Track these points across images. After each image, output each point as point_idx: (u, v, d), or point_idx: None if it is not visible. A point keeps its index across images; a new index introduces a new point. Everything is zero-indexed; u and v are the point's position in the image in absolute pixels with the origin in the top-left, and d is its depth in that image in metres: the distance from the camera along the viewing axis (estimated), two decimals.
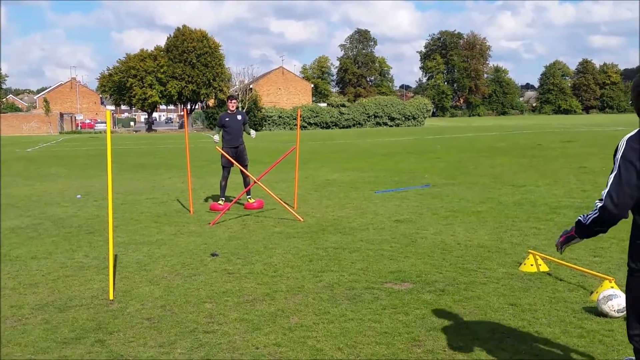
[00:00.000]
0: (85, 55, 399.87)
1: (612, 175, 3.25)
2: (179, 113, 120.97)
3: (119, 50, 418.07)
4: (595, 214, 3.35)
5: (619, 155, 3.25)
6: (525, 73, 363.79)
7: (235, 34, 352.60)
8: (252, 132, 12.38)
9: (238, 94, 13.45)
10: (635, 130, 3.27)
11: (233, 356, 4.69)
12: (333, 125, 78.93)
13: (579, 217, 3.50)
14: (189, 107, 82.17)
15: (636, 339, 3.58)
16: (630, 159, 3.20)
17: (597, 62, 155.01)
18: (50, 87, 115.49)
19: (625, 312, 5.32)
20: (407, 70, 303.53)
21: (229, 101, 12.27)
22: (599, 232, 3.44)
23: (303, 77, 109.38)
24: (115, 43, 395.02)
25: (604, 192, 3.27)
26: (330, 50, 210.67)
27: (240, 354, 4.73)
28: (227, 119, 12.05)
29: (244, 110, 74.01)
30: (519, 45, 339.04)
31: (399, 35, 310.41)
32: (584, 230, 3.49)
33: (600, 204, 3.30)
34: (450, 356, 4.61)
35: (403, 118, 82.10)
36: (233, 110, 12.16)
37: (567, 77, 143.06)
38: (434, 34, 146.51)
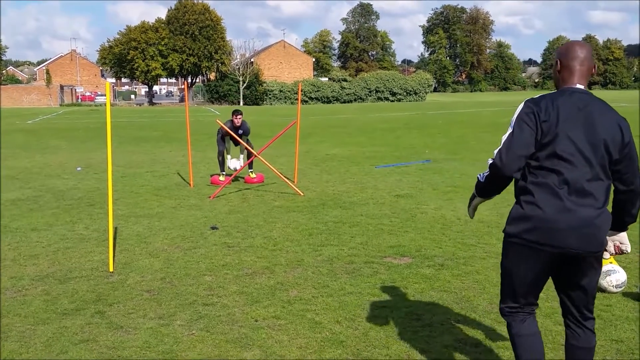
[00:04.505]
0: (81, 27, 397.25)
1: (506, 135, 3.23)
2: (180, 86, 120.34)
3: (114, 22, 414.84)
4: (487, 171, 3.34)
5: (514, 116, 3.23)
6: (525, 48, 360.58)
7: (230, 6, 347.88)
8: (245, 151, 11.93)
9: (242, 113, 13.19)
10: (538, 95, 3.26)
11: (232, 328, 4.72)
12: (334, 100, 78.63)
13: (478, 175, 3.46)
14: (189, 80, 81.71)
15: None
16: (524, 119, 3.18)
17: (600, 38, 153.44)
18: (50, 59, 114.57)
19: (623, 288, 5.35)
20: (406, 44, 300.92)
21: (234, 116, 11.89)
22: (492, 191, 3.43)
23: (304, 51, 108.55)
24: (110, 15, 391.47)
25: (496, 150, 3.24)
26: (327, 25, 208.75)
27: (239, 326, 4.76)
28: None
29: (245, 87, 73.72)
30: (517, 21, 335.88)
31: (397, 9, 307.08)
32: (479, 188, 3.48)
33: (490, 161, 3.27)
34: (449, 330, 4.64)
35: (404, 93, 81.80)
36: (237, 126, 11.93)
37: None
38: (436, 8, 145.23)
